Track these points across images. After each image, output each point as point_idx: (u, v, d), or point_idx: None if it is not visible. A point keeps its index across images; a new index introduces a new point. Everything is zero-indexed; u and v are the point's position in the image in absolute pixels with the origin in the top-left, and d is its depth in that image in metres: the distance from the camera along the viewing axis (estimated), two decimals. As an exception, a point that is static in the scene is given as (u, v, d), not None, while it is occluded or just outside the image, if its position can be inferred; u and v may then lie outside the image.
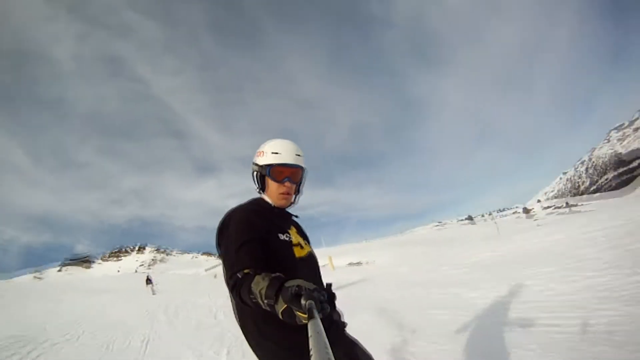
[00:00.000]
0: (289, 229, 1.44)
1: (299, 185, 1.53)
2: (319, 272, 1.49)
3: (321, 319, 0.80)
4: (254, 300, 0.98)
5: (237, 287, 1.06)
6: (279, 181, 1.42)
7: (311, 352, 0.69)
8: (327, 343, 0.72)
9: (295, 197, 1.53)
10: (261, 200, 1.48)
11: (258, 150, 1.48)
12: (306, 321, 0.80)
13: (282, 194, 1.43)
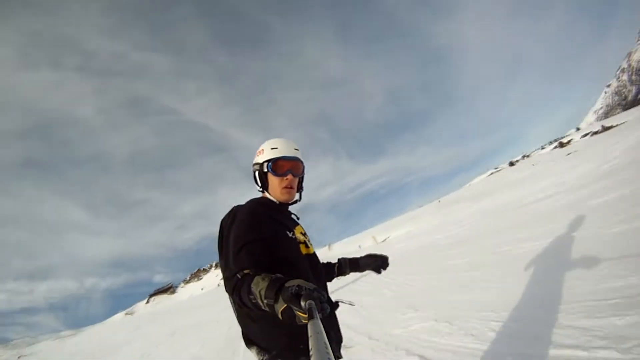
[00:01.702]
0: (294, 227, 1.46)
1: (301, 181, 1.55)
2: (323, 272, 1.54)
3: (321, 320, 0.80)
4: (253, 301, 0.96)
5: (237, 288, 1.04)
6: (281, 174, 1.43)
7: (311, 352, 0.68)
8: (327, 343, 0.71)
9: (299, 193, 1.56)
10: (265, 198, 1.49)
11: (257, 151, 1.51)
12: (306, 321, 0.80)
13: (285, 187, 1.44)
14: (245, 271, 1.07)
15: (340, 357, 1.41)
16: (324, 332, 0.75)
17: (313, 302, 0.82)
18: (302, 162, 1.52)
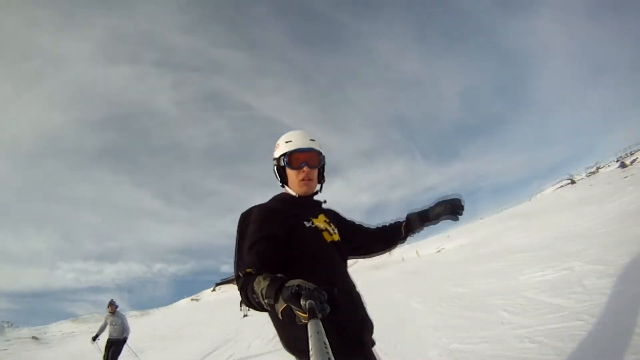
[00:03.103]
0: (316, 217, 1.43)
1: (321, 172, 1.52)
2: (346, 261, 1.47)
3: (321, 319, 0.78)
4: (256, 300, 0.97)
5: (243, 287, 1.06)
6: (297, 167, 1.41)
7: (311, 352, 0.66)
8: (327, 343, 0.69)
9: (321, 185, 1.53)
10: (283, 194, 1.49)
11: (275, 146, 1.49)
12: (306, 321, 0.78)
13: (303, 180, 1.42)
14: (248, 270, 1.09)
15: (373, 343, 1.35)
16: (324, 332, 0.73)
17: (313, 302, 0.79)
18: (318, 153, 1.47)
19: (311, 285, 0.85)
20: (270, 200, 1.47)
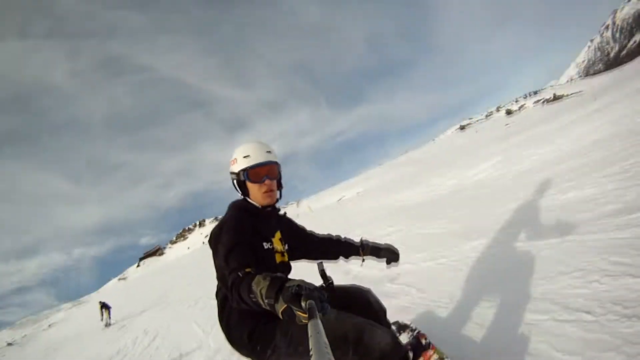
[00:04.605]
0: (273, 235, 1.55)
1: (279, 181, 1.59)
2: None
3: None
4: (254, 300, 1.00)
5: (237, 284, 1.09)
6: (258, 181, 1.48)
7: (311, 352, 0.67)
8: (327, 343, 0.71)
9: (280, 192, 1.60)
10: (246, 203, 1.53)
11: (230, 160, 1.54)
12: (306, 321, 0.80)
13: (266, 192, 1.49)
14: (247, 269, 1.12)
15: (389, 325, 1.57)
16: (324, 332, 0.75)
17: (313, 302, 0.84)
18: (277, 164, 1.55)
19: (311, 285, 0.89)
20: (237, 211, 1.49)
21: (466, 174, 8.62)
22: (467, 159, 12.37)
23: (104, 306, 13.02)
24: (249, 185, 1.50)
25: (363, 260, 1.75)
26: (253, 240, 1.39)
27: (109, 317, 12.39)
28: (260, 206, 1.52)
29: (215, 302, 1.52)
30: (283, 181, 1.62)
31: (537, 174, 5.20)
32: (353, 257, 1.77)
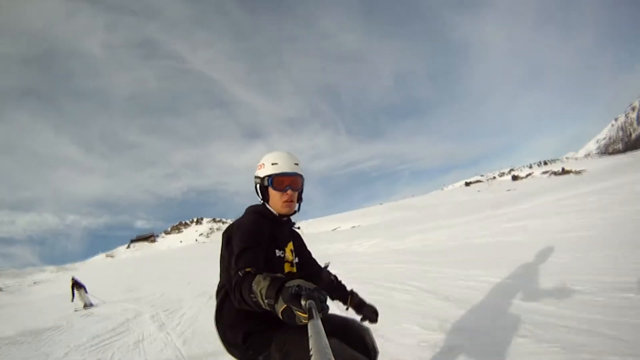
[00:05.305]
0: (286, 245, 1.58)
1: (300, 193, 1.62)
2: None
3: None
4: (254, 299, 1.00)
5: (239, 284, 1.10)
6: (281, 190, 1.50)
7: (311, 352, 0.67)
8: (327, 343, 0.71)
9: (299, 205, 1.63)
10: (265, 209, 1.56)
11: (258, 164, 1.58)
12: (306, 321, 0.81)
13: (285, 201, 1.52)
14: (247, 269, 1.14)
15: (375, 322, 1.70)
16: (324, 332, 0.74)
17: (313, 302, 0.84)
18: (301, 177, 1.58)
19: (311, 285, 0.89)
20: (254, 214, 1.52)
21: (438, 235, 10.11)
22: (452, 220, 13.96)
23: (76, 284, 10.68)
24: (271, 191, 1.53)
25: (347, 309, 1.79)
26: (267, 246, 1.42)
27: (87, 297, 10.39)
28: (277, 214, 1.55)
29: (215, 303, 1.55)
30: (304, 195, 1.66)
31: (493, 247, 6.15)
32: (338, 300, 1.80)
